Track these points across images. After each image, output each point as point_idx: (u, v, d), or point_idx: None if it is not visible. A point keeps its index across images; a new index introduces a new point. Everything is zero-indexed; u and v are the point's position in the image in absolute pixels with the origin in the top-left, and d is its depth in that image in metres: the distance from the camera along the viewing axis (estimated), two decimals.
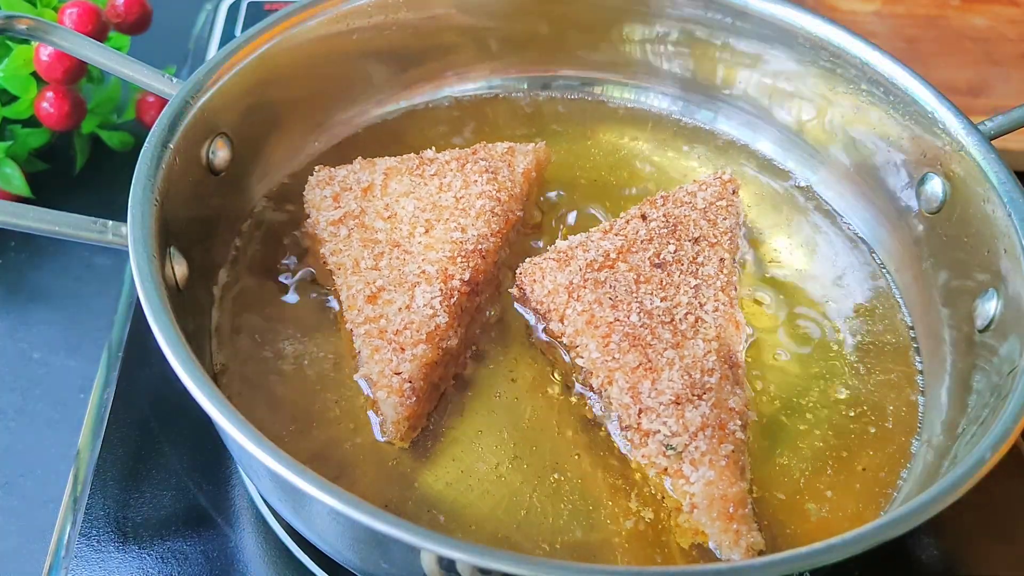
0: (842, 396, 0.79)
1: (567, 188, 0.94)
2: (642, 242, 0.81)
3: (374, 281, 0.77)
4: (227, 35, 1.22)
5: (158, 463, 0.81)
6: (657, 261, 0.80)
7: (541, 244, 0.89)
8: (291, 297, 0.83)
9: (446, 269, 0.78)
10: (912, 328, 0.85)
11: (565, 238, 0.83)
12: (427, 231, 0.81)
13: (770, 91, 0.97)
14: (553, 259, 0.80)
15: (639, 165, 0.97)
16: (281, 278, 0.84)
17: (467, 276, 0.78)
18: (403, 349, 0.73)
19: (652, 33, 0.99)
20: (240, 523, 0.79)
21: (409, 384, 0.72)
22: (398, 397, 0.72)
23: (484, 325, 0.82)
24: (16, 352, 0.97)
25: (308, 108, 0.93)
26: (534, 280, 0.80)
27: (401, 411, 0.72)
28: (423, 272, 0.78)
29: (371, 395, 0.76)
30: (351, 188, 0.84)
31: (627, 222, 0.83)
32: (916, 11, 1.30)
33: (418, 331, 0.74)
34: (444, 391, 0.78)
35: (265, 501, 0.79)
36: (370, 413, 0.75)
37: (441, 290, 0.76)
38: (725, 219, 0.84)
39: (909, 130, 0.86)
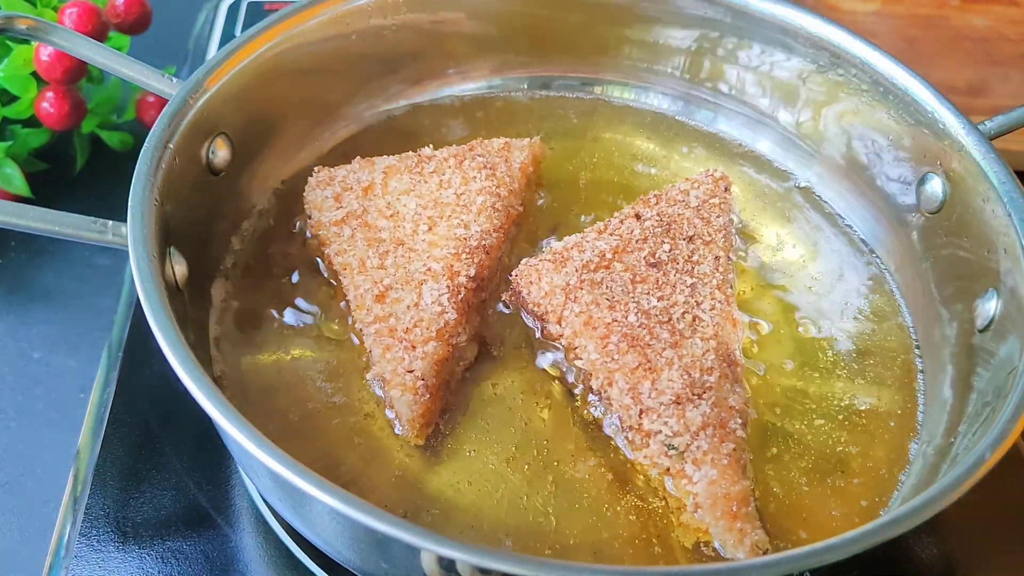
0: (841, 396, 0.79)
1: (566, 187, 0.94)
2: (637, 242, 0.81)
3: (381, 280, 0.77)
4: (227, 35, 1.22)
5: (158, 463, 0.81)
6: (652, 260, 0.80)
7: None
8: (292, 298, 0.83)
9: (452, 266, 0.78)
10: (912, 328, 0.85)
11: (560, 239, 0.83)
12: (430, 228, 0.81)
13: (770, 91, 0.97)
14: (549, 260, 0.80)
15: (638, 165, 0.97)
16: (282, 279, 0.84)
17: (473, 272, 0.78)
18: (414, 347, 0.73)
19: (652, 33, 0.99)
20: (240, 523, 0.79)
21: (422, 381, 0.72)
22: (412, 395, 0.72)
23: (488, 323, 0.82)
24: (16, 352, 0.97)
25: (308, 108, 0.93)
26: (530, 282, 0.80)
27: (416, 408, 0.72)
28: (429, 269, 0.78)
29: (382, 394, 0.76)
30: (352, 188, 0.84)
31: (621, 222, 0.83)
32: (916, 11, 1.30)
33: (428, 328, 0.74)
34: (454, 388, 0.78)
35: (265, 501, 0.79)
36: (387, 411, 0.75)
37: (448, 287, 0.76)
38: (718, 216, 0.84)
39: (909, 130, 0.86)
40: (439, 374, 0.74)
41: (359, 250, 0.80)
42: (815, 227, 0.93)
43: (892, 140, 0.88)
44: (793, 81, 0.94)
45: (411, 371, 0.72)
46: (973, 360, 0.76)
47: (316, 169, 0.86)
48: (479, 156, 0.87)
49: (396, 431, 0.74)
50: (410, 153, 0.88)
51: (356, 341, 0.79)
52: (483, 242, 0.80)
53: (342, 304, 0.82)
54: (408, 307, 0.76)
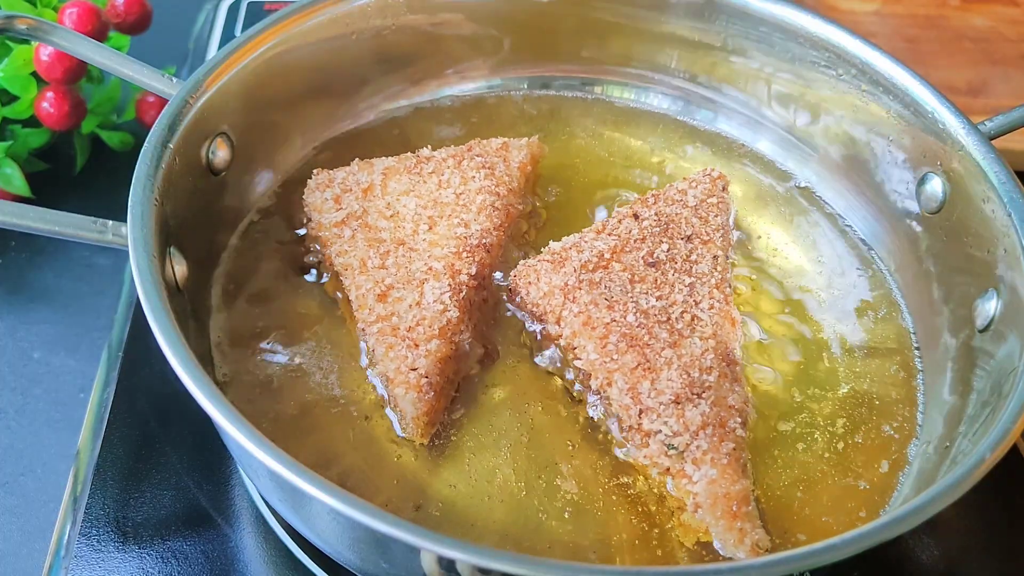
0: (841, 396, 0.79)
1: (566, 187, 0.94)
2: (635, 241, 0.81)
3: (383, 280, 0.77)
4: (227, 35, 1.22)
5: (158, 463, 0.81)
6: (651, 260, 0.80)
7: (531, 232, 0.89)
8: (292, 299, 0.83)
9: (453, 264, 0.78)
10: (912, 328, 0.85)
11: (559, 239, 0.83)
12: (430, 228, 0.81)
13: (770, 91, 0.97)
14: (547, 261, 0.80)
15: (639, 165, 0.97)
16: (282, 280, 0.84)
17: (474, 271, 0.78)
18: (417, 345, 0.73)
19: (652, 33, 0.99)
20: (240, 523, 0.79)
21: (426, 379, 0.72)
22: (416, 393, 0.72)
23: (488, 322, 0.82)
24: (16, 352, 0.97)
25: (308, 108, 0.93)
26: (529, 283, 0.80)
27: (420, 407, 0.72)
28: (430, 268, 0.78)
29: (385, 394, 0.76)
30: (351, 189, 0.84)
31: (619, 221, 0.83)
32: (916, 11, 1.30)
33: (430, 327, 0.74)
34: (458, 387, 0.78)
35: (265, 501, 0.79)
36: (388, 411, 0.75)
37: (450, 285, 0.77)
38: (716, 216, 0.84)
39: (909, 130, 0.86)
40: (443, 372, 0.74)
41: (360, 251, 0.80)
42: (815, 227, 0.93)
43: (892, 140, 0.88)
44: (793, 81, 0.94)
45: (415, 369, 0.72)
46: (973, 360, 0.76)
47: (315, 171, 0.86)
48: (477, 156, 0.87)
49: (399, 432, 0.74)
50: (408, 154, 0.88)
51: (361, 342, 0.79)
52: (483, 240, 0.80)
53: (343, 304, 0.82)
54: (410, 306, 0.76)
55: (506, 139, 0.90)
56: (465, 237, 0.80)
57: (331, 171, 0.86)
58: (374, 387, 0.77)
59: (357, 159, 0.87)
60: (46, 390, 0.94)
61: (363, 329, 0.77)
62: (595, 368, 0.74)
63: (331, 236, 0.81)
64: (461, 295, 0.77)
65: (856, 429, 0.77)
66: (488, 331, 0.82)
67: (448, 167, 0.86)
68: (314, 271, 0.85)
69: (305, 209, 0.85)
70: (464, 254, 0.79)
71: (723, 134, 1.00)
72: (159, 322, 0.63)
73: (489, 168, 0.86)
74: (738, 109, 0.99)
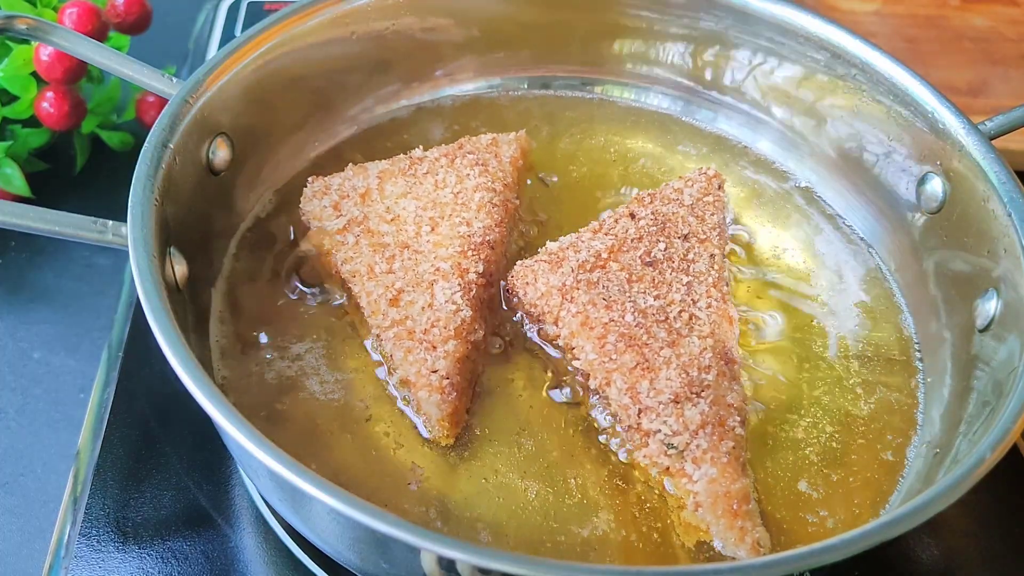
0: (841, 395, 0.79)
1: (565, 187, 0.94)
2: (632, 241, 0.81)
3: (392, 284, 0.77)
4: (227, 35, 1.22)
5: (158, 463, 0.81)
6: (648, 259, 0.80)
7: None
8: (292, 302, 0.83)
9: (460, 264, 0.78)
10: (912, 328, 0.85)
11: (556, 238, 0.83)
12: (433, 229, 0.81)
13: (770, 91, 0.97)
14: (545, 261, 0.80)
15: (639, 165, 0.97)
16: (281, 282, 0.84)
17: (481, 268, 0.79)
18: (435, 347, 0.73)
19: (652, 33, 0.99)
20: (240, 523, 0.79)
21: (447, 380, 0.72)
22: (440, 395, 0.72)
23: (493, 321, 0.82)
24: (16, 352, 0.97)
25: (308, 108, 0.93)
26: (527, 283, 0.80)
27: (445, 408, 0.72)
28: (438, 269, 0.78)
29: (398, 396, 0.76)
30: (349, 195, 0.84)
31: (616, 221, 0.83)
32: (916, 11, 1.30)
33: (446, 327, 0.74)
34: (476, 386, 0.78)
35: (265, 501, 0.79)
36: (411, 414, 0.75)
37: (460, 285, 0.77)
38: (712, 215, 0.84)
39: (909, 130, 0.86)
40: (462, 372, 0.74)
41: (365, 256, 0.80)
42: (815, 227, 0.93)
43: (892, 140, 0.88)
44: (793, 81, 0.94)
45: (435, 371, 0.72)
46: (973, 360, 0.76)
47: (310, 179, 0.85)
48: (469, 153, 0.87)
49: (425, 434, 0.75)
50: (401, 156, 0.88)
51: (367, 345, 0.79)
52: (487, 238, 0.81)
53: (349, 309, 0.82)
54: (423, 308, 0.76)
55: (495, 135, 0.90)
56: (469, 236, 0.80)
57: (326, 178, 0.86)
58: (374, 390, 0.77)
59: (351, 164, 0.87)
60: (46, 390, 0.94)
61: (378, 335, 0.77)
62: (594, 368, 0.74)
63: (334, 243, 0.81)
64: (471, 294, 0.77)
65: (856, 429, 0.77)
66: (491, 328, 0.82)
67: (442, 166, 0.86)
68: (314, 275, 0.84)
69: (303, 217, 0.84)
70: (470, 252, 0.79)
71: (723, 134, 1.00)
72: (159, 322, 0.63)
73: (482, 165, 0.86)
74: (738, 109, 0.99)
